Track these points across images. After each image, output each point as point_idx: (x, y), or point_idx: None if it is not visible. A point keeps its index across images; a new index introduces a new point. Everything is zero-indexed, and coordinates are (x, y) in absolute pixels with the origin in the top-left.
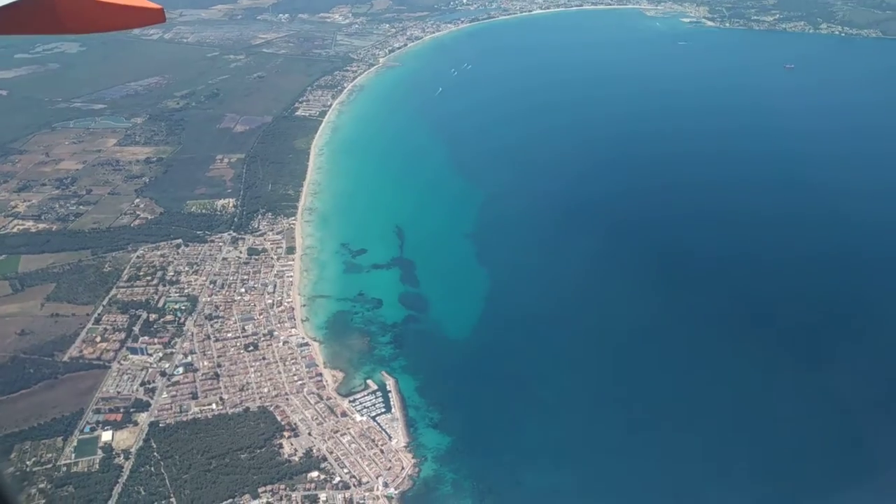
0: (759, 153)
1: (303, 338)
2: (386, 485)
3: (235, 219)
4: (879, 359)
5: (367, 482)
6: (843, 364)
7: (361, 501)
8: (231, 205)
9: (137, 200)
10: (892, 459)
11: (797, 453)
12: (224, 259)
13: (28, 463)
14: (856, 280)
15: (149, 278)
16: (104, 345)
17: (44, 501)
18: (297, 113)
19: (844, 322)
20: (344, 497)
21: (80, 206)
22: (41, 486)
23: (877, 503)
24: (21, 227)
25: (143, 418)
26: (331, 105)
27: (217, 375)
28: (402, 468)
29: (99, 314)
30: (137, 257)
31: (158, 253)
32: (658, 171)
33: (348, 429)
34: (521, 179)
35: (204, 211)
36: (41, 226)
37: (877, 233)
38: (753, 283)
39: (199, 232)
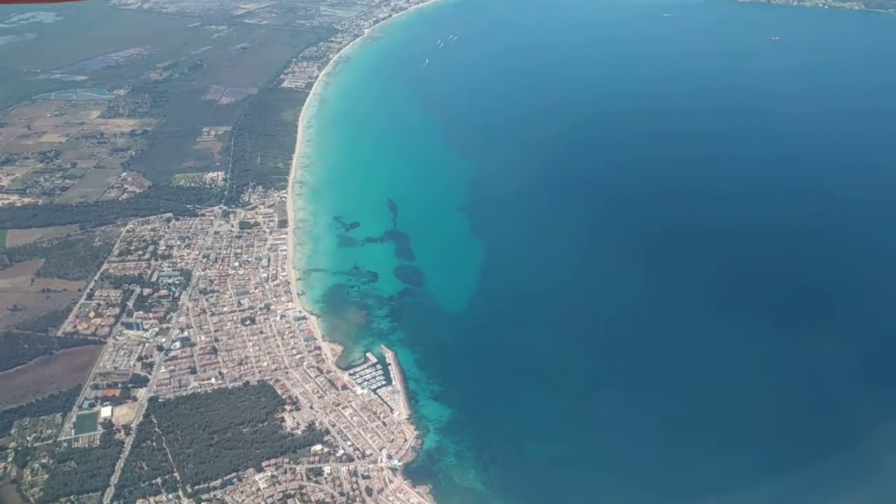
0: (747, 128)
1: (300, 311)
2: (390, 457)
3: (225, 192)
4: (858, 327)
5: (371, 454)
6: (822, 331)
7: (366, 473)
8: (220, 178)
9: (124, 174)
10: (871, 423)
11: (786, 416)
12: (216, 233)
13: (28, 439)
14: (836, 250)
15: (140, 253)
16: (98, 320)
17: (47, 476)
18: (282, 85)
19: (824, 292)
20: (348, 469)
21: (66, 180)
22: (43, 461)
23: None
24: (5, 202)
25: (142, 394)
26: (317, 77)
27: (215, 350)
28: (405, 440)
29: (91, 289)
30: (127, 231)
31: (149, 227)
32: (646, 144)
33: (350, 402)
34: (511, 152)
35: (193, 184)
36: (26, 200)
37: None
38: (738, 254)
39: (189, 206)
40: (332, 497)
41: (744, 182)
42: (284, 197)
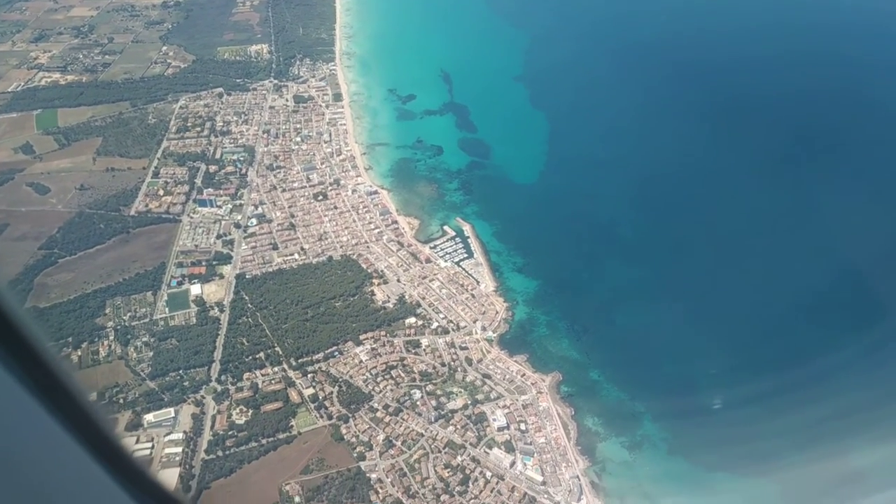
0: None
1: (370, 186)
2: (484, 328)
3: (273, 65)
4: None
5: (465, 326)
6: None
7: (463, 345)
8: (265, 51)
9: (165, 48)
10: None
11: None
12: (271, 108)
13: (124, 318)
14: None
15: (198, 129)
16: (169, 198)
17: (151, 353)
18: None
19: None
20: (445, 341)
21: (106, 56)
22: (144, 339)
23: None
24: (49, 80)
25: (228, 271)
26: None
27: (293, 226)
28: (497, 312)
29: (156, 167)
30: (181, 108)
31: (201, 103)
32: (706, 12)
33: (435, 275)
34: (563, 19)
35: (238, 58)
36: (69, 77)
37: None
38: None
39: (238, 80)
40: (434, 367)
41: (813, 48)
42: (334, 69)
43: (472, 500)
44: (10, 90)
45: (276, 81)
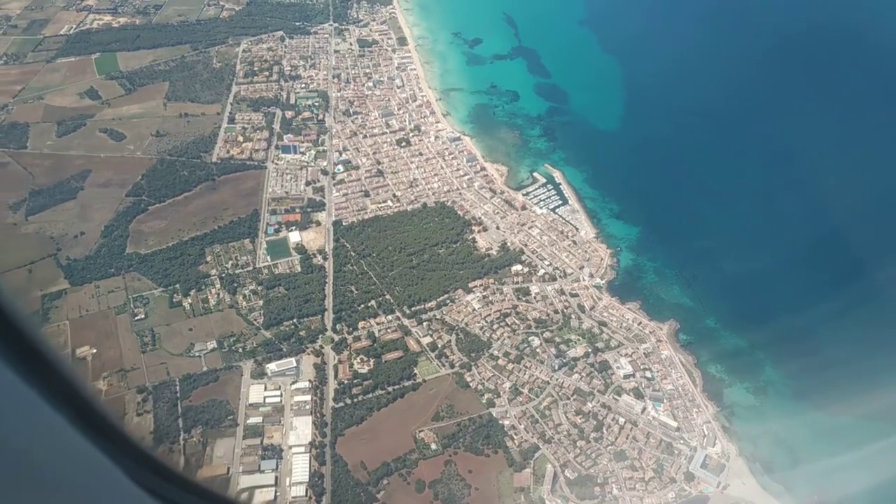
0: None
1: (452, 132)
2: (591, 275)
3: (330, 8)
4: None
5: (572, 273)
6: None
7: (573, 292)
8: None
9: None
10: None
11: None
12: (336, 52)
13: (227, 266)
14: None
15: (266, 73)
16: (249, 144)
17: (261, 302)
18: None
19: None
20: (554, 288)
21: None
22: (251, 287)
23: None
24: (101, 22)
25: (324, 218)
26: None
27: (381, 172)
28: (601, 259)
29: (230, 113)
30: (244, 51)
31: (264, 46)
32: None
33: (533, 222)
34: None
35: (293, 0)
36: (122, 20)
37: None
38: None
39: (297, 23)
40: (548, 315)
41: None
42: (393, 12)
43: (609, 447)
44: (62, 33)
45: (336, 25)
